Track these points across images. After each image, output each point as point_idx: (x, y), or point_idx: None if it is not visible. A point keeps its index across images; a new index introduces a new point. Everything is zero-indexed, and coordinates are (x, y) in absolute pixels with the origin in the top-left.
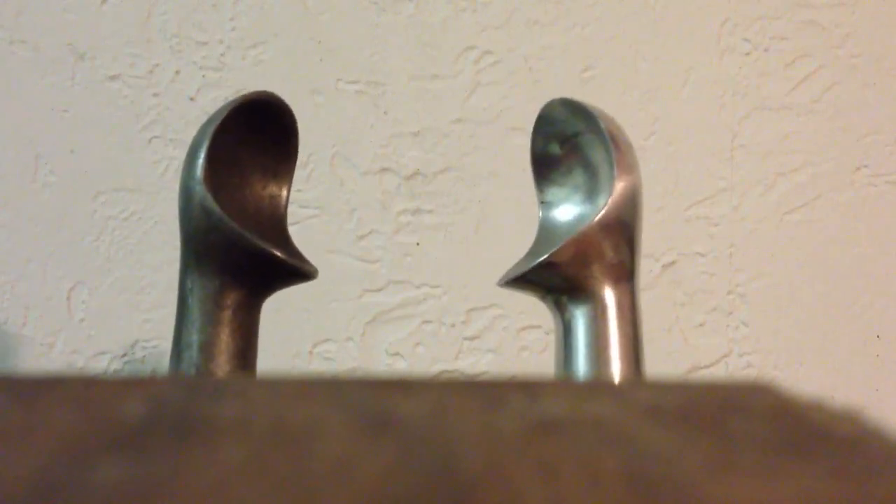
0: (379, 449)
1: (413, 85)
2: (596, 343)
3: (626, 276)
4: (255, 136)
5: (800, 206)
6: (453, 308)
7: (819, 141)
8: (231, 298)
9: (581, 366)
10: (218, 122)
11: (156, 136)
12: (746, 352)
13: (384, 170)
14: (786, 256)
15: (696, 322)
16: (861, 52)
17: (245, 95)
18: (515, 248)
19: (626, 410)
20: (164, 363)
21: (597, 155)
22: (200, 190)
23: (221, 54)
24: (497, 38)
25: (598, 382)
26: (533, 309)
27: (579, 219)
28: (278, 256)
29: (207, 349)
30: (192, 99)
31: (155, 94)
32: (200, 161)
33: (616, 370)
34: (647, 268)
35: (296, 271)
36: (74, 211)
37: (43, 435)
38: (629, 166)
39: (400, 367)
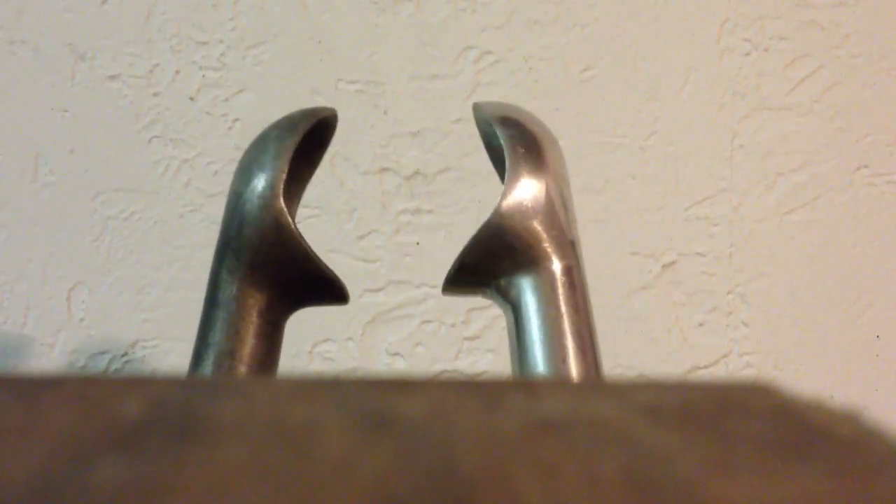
0: (379, 449)
1: (413, 85)
2: (546, 312)
3: (554, 253)
4: (303, 148)
5: (800, 206)
6: (453, 308)
7: (819, 141)
8: (271, 311)
9: (535, 338)
10: (299, 134)
11: (156, 136)
12: (746, 352)
13: (384, 170)
14: (786, 256)
15: (696, 322)
16: (861, 52)
17: (318, 110)
18: None
19: (626, 410)
20: (164, 363)
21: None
22: (277, 204)
23: (221, 54)
24: (497, 38)
25: (598, 382)
26: None
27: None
28: (338, 280)
29: (234, 354)
30: (192, 99)
31: (155, 94)
32: (281, 174)
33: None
34: (647, 268)
35: (340, 294)
36: (74, 211)
37: (43, 435)
38: (526, 164)
39: (400, 366)
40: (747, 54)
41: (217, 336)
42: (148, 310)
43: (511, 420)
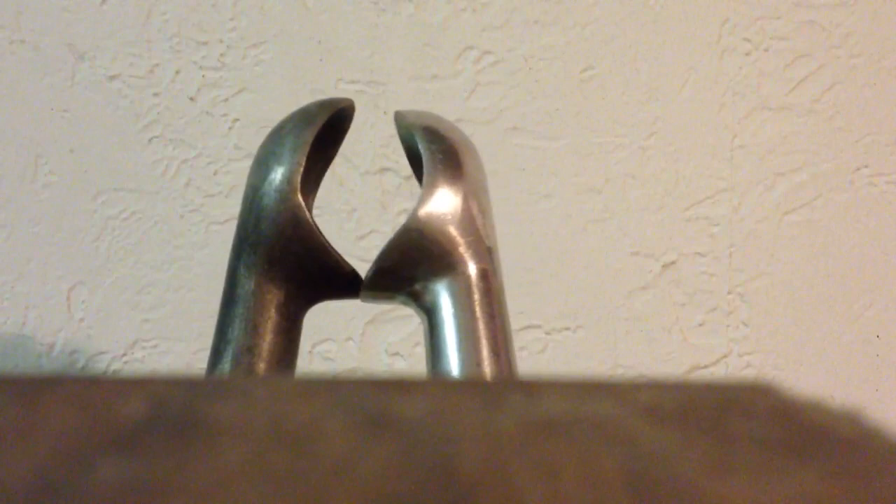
0: (379, 449)
1: (413, 85)
2: (461, 314)
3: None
4: (319, 140)
5: (800, 206)
6: None
7: (819, 141)
8: (288, 305)
9: (450, 339)
10: (316, 126)
11: (156, 136)
12: (746, 352)
13: (384, 170)
14: (786, 256)
15: (696, 322)
16: (861, 52)
17: (335, 101)
18: (514, 248)
19: (626, 410)
20: (164, 363)
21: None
22: (295, 198)
23: (221, 54)
24: (497, 38)
25: (598, 382)
26: (533, 309)
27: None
28: (355, 273)
29: (254, 350)
30: (192, 99)
31: (155, 94)
32: (299, 167)
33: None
34: (647, 268)
35: (358, 287)
36: (74, 211)
37: (43, 435)
38: (442, 174)
39: (400, 367)
40: (747, 54)
41: (235, 332)
42: (148, 310)
43: (511, 420)
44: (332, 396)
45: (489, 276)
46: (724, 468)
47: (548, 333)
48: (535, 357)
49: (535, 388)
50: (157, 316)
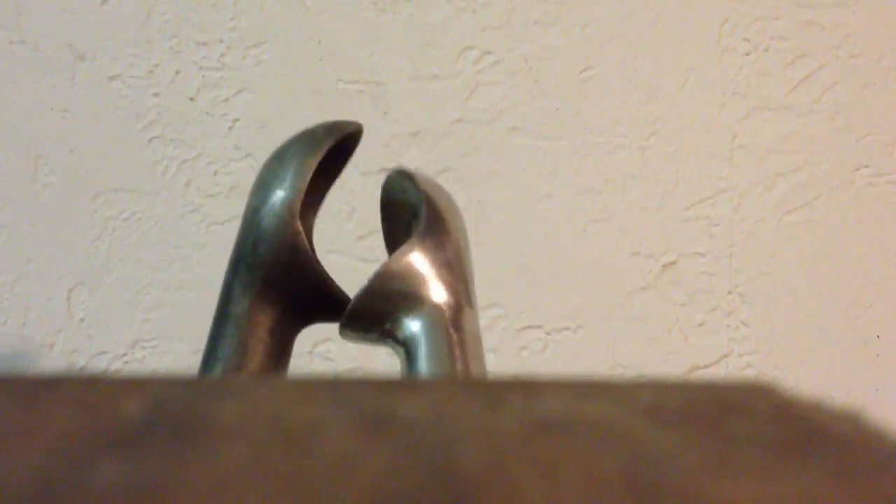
0: (379, 449)
1: (413, 85)
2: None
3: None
4: (324, 162)
5: (800, 206)
6: None
7: (819, 141)
8: (281, 327)
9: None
10: (321, 152)
11: (156, 136)
12: (746, 352)
13: (384, 170)
14: (786, 256)
15: (696, 322)
16: (861, 52)
17: (342, 125)
18: (514, 248)
19: (626, 410)
20: (164, 363)
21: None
22: (295, 225)
23: (221, 54)
24: (497, 38)
25: (598, 382)
26: (533, 309)
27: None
28: (349, 300)
29: (243, 367)
30: (192, 99)
31: (155, 94)
32: (300, 193)
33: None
34: (647, 268)
35: (339, 300)
36: (74, 211)
37: (43, 435)
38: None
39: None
40: (747, 54)
41: (226, 350)
42: (148, 310)
43: (511, 420)
44: (332, 396)
45: (463, 313)
46: (724, 468)
47: (548, 333)
48: (535, 357)
49: (535, 388)
50: (157, 316)
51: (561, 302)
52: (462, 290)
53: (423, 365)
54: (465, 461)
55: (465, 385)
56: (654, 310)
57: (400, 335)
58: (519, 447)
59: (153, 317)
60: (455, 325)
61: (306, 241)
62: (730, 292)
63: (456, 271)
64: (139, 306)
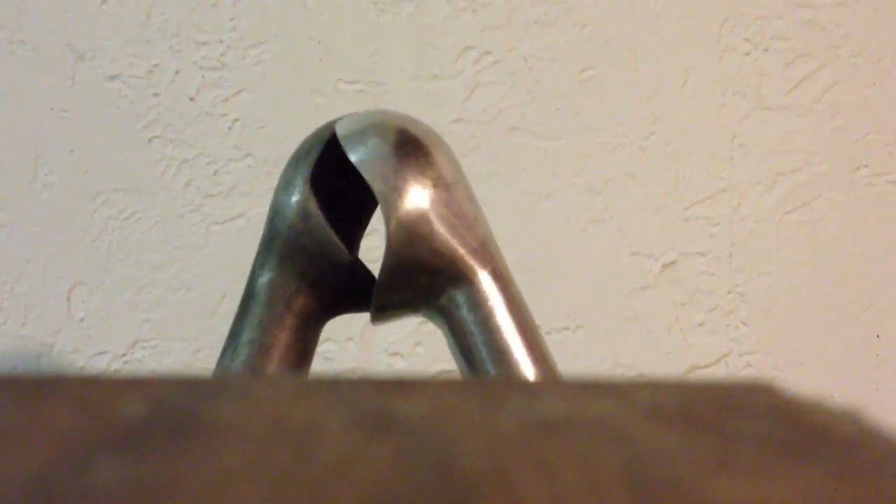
0: (379, 449)
1: (413, 85)
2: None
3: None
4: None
5: (800, 206)
6: None
7: (819, 141)
8: (301, 304)
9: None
10: (315, 154)
11: (156, 136)
12: (746, 352)
13: None
14: (786, 256)
15: (696, 322)
16: (861, 52)
17: (320, 132)
18: (514, 248)
19: (626, 410)
20: (164, 363)
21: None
22: (305, 190)
23: (221, 54)
24: (497, 38)
25: (598, 382)
26: (532, 309)
27: None
28: (361, 264)
29: (266, 350)
30: (191, 99)
31: (155, 94)
32: (311, 159)
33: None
34: (647, 268)
35: (366, 286)
36: (74, 211)
37: (43, 435)
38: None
39: (400, 366)
40: (747, 54)
41: (249, 327)
42: (148, 310)
43: (511, 420)
44: (333, 396)
45: (499, 273)
46: (725, 468)
47: (548, 333)
48: None
49: (535, 388)
50: (157, 316)
51: (561, 302)
52: (472, 241)
53: (475, 335)
54: (466, 461)
55: (464, 385)
56: (654, 310)
57: (438, 309)
58: (519, 447)
59: (153, 317)
60: (492, 284)
61: (316, 206)
62: (730, 292)
63: (456, 224)
64: (139, 306)
